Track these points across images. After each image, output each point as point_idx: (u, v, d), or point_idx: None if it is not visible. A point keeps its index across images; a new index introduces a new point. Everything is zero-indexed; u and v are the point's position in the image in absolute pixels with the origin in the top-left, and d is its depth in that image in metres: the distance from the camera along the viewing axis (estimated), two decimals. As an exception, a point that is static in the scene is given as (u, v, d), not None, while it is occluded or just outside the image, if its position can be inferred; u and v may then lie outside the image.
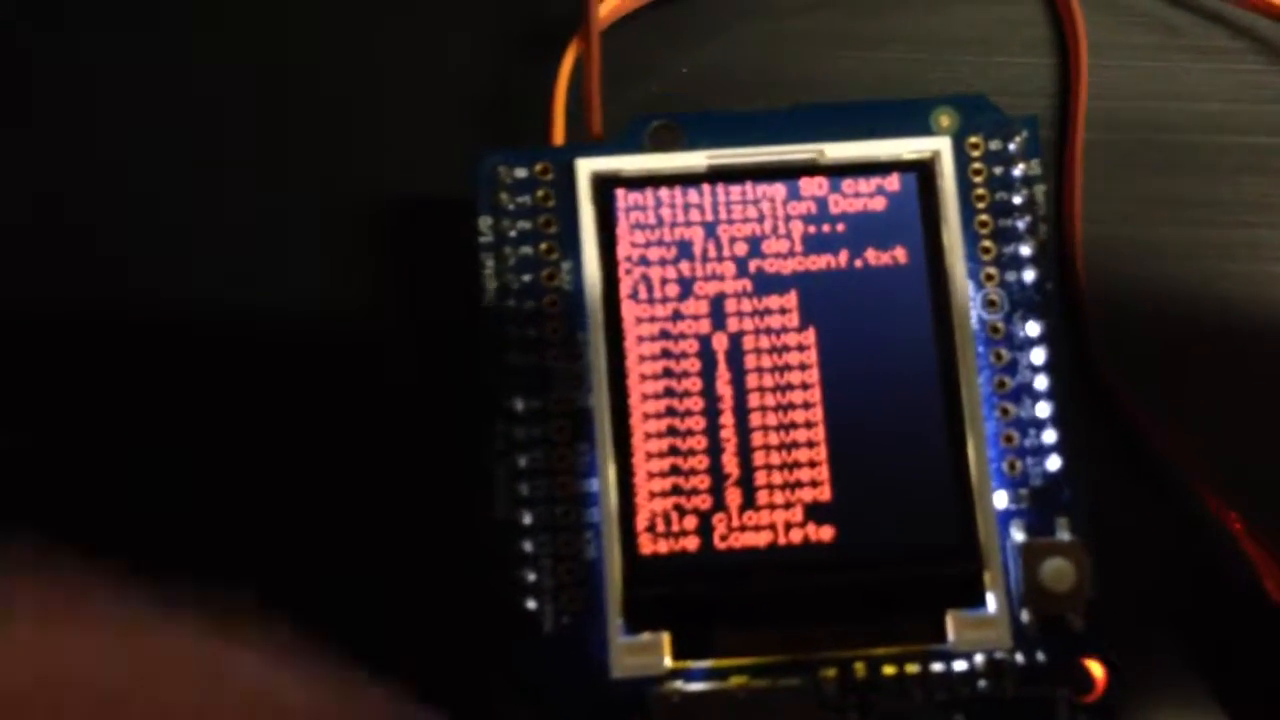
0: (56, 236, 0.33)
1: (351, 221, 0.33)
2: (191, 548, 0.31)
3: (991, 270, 0.31)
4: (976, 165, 0.31)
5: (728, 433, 0.29)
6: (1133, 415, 0.32)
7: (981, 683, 0.29)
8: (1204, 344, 0.33)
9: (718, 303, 0.30)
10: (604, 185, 0.30)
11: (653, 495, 0.29)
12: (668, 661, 0.28)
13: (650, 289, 0.30)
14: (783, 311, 0.30)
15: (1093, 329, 0.32)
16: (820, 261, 0.30)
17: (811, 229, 0.30)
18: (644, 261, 0.30)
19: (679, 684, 0.28)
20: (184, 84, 0.34)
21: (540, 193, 0.31)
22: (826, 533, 0.29)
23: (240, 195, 0.33)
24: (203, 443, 0.32)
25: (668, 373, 0.29)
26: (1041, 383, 0.30)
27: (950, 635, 0.29)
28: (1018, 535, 0.29)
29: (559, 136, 0.32)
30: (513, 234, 0.31)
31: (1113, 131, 0.35)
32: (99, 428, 0.32)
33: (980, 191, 0.31)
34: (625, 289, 0.30)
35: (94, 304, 0.33)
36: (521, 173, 0.31)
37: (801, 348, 0.30)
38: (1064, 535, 0.29)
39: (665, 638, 0.28)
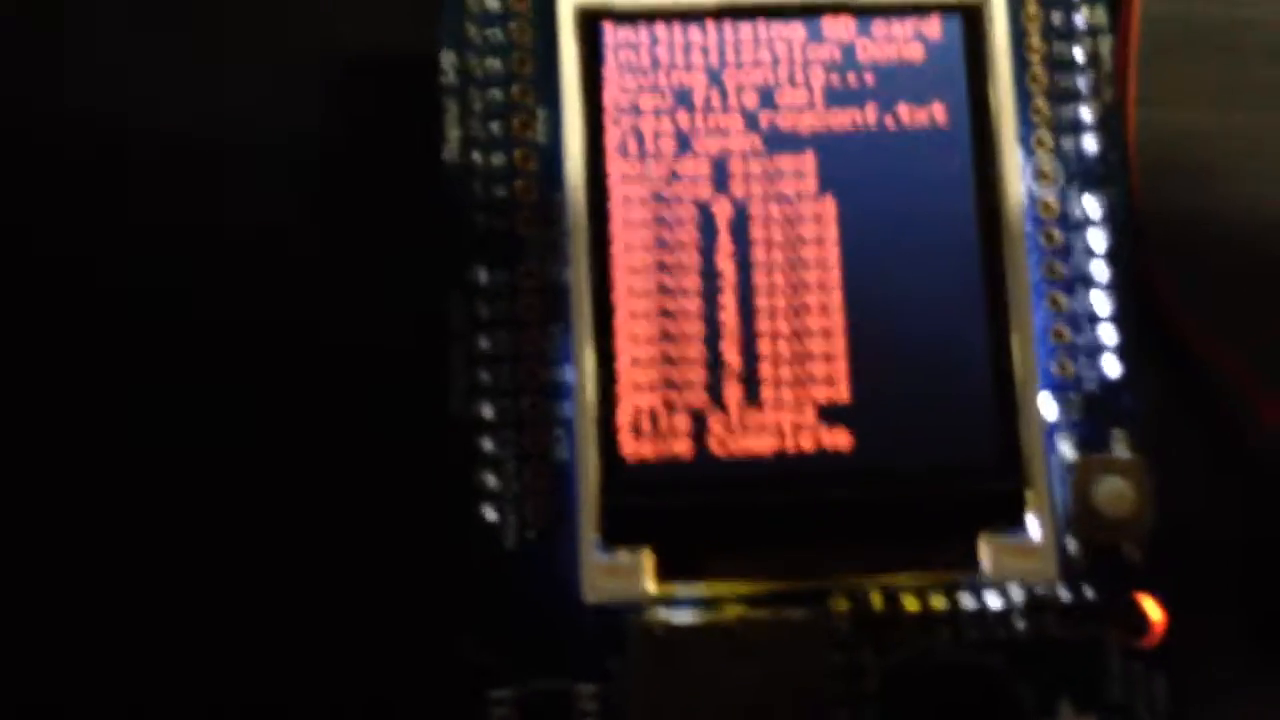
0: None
1: (301, 76, 0.31)
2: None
3: (1045, 135, 0.29)
4: (1031, 9, 0.29)
5: (728, 316, 0.27)
6: (1187, 326, 0.30)
7: (1019, 621, 0.27)
8: (1270, 250, 0.31)
9: (721, 163, 0.28)
10: (590, 19, 0.28)
11: (638, 388, 0.27)
12: (650, 585, 0.27)
13: (641, 143, 0.28)
14: (798, 175, 0.28)
15: (1145, 227, 0.30)
16: (843, 118, 0.28)
17: (834, 79, 0.28)
18: (635, 111, 0.28)
19: (663, 613, 0.27)
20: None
21: (514, 26, 0.29)
22: (842, 439, 0.27)
23: (176, 50, 0.31)
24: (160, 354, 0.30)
25: (660, 243, 0.28)
26: (1100, 271, 0.28)
27: (984, 563, 0.27)
28: (1067, 449, 0.28)
29: (541, -35, 0.31)
30: (480, 75, 0.29)
31: (1174, 2, 0.32)
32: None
33: (1034, 41, 0.29)
34: (612, 142, 0.28)
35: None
36: (494, 2, 0.29)
37: (818, 218, 0.28)
38: (1122, 451, 0.28)
39: (648, 557, 0.27)
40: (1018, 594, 0.27)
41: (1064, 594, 0.27)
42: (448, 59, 0.29)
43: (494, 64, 0.29)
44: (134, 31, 0.31)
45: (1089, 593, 0.27)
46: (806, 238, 0.28)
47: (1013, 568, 0.27)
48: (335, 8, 0.31)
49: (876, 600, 0.27)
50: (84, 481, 0.29)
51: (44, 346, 0.30)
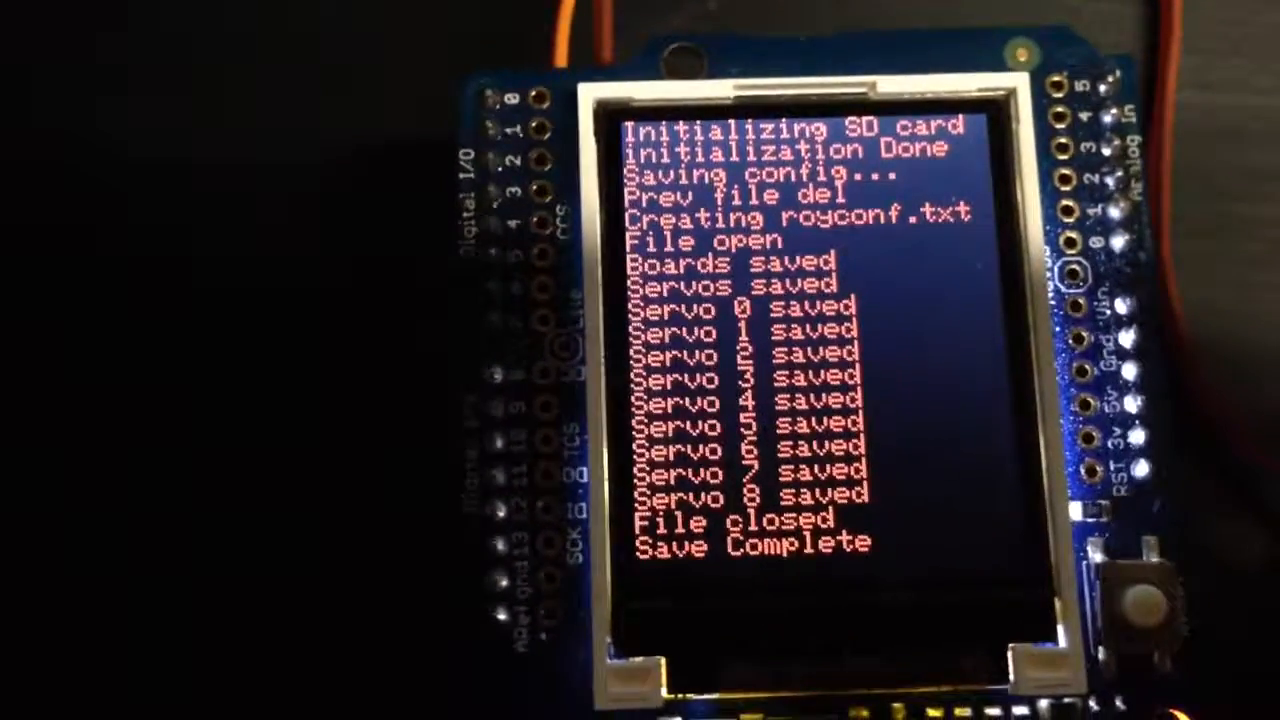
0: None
1: (324, 164, 0.32)
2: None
3: (1073, 235, 0.28)
4: (1059, 108, 0.29)
5: (748, 417, 0.27)
6: (1225, 428, 0.30)
7: (1046, 733, 0.27)
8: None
9: (741, 260, 0.28)
10: (611, 116, 0.28)
11: (654, 489, 0.27)
12: (664, 692, 0.26)
13: (661, 241, 0.28)
14: (819, 274, 0.28)
15: (1179, 324, 0.30)
16: (866, 216, 0.28)
17: (857, 177, 0.28)
18: (654, 208, 0.28)
19: (676, 721, 0.26)
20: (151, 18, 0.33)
21: (534, 123, 0.29)
22: (863, 542, 0.27)
23: (203, 133, 0.32)
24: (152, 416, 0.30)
25: (677, 342, 0.27)
26: (1130, 371, 0.28)
27: (1011, 674, 0.26)
28: (1096, 555, 0.27)
29: (561, 63, 0.30)
30: (499, 170, 0.29)
31: (1207, 91, 0.32)
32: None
33: (1063, 140, 0.29)
34: (631, 240, 0.28)
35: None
36: (513, 98, 0.29)
37: (840, 318, 0.27)
38: (1152, 557, 0.27)
39: (662, 663, 0.26)
40: (1045, 706, 0.27)
41: (1094, 705, 0.27)
42: (466, 155, 0.28)
43: (513, 160, 0.28)
44: (164, 99, 0.32)
45: (1120, 704, 0.27)
46: (828, 337, 0.27)
47: (1040, 678, 0.26)
48: (366, 94, 0.32)
49: (898, 711, 0.27)
50: (110, 559, 0.29)
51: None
